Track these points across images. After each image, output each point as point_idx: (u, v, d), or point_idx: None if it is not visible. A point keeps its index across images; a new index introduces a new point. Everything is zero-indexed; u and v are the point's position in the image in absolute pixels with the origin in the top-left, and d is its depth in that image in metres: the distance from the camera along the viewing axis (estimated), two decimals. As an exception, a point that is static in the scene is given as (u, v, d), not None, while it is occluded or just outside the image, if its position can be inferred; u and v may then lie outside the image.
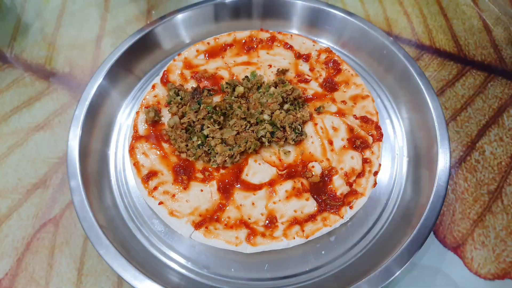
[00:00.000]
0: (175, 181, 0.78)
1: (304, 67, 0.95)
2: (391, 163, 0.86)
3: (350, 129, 0.83)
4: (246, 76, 0.90)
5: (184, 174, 0.79)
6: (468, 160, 0.89)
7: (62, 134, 0.93)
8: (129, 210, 0.81)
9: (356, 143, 0.81)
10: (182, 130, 0.82)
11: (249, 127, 0.82)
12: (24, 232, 0.81)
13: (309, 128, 0.84)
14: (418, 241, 0.70)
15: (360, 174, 0.78)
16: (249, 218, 0.75)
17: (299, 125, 0.82)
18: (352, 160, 0.79)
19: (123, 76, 0.95)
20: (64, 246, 0.79)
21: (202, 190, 0.77)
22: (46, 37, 1.12)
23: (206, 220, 0.74)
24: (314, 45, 0.97)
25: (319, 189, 0.77)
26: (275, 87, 0.87)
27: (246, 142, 0.79)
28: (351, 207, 0.75)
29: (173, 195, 0.77)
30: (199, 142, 0.80)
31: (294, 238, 0.72)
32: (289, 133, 0.80)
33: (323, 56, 0.95)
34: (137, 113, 0.87)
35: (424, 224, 0.71)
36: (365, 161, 0.80)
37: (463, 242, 0.79)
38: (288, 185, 0.77)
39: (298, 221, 0.74)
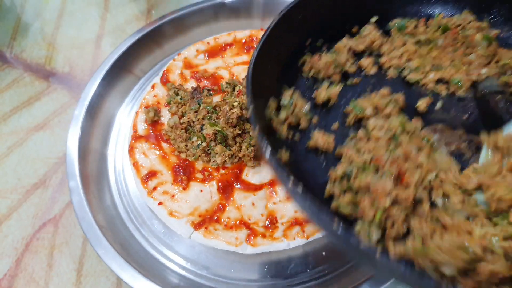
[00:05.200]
0: (175, 181, 0.78)
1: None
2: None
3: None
4: (246, 76, 0.90)
5: (183, 174, 0.79)
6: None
7: (62, 134, 0.93)
8: (128, 210, 0.81)
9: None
10: (182, 130, 0.82)
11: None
12: (24, 232, 0.81)
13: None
14: (419, 242, 0.69)
15: (361, 175, 0.78)
16: (249, 219, 0.74)
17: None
18: (352, 160, 0.78)
19: (122, 76, 0.95)
20: (63, 247, 0.79)
21: (201, 191, 0.77)
22: (46, 37, 1.12)
23: (206, 220, 0.74)
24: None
25: (320, 189, 0.77)
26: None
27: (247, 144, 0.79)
28: (351, 208, 0.75)
29: (173, 195, 0.76)
30: (199, 142, 0.80)
31: (295, 238, 0.72)
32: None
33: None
34: (137, 113, 0.87)
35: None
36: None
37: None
38: (288, 185, 0.77)
39: (298, 222, 0.74)
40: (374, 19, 0.72)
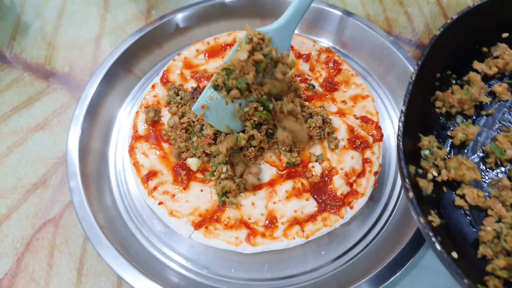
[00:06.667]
0: (175, 181, 0.78)
1: (304, 67, 0.94)
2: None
3: (350, 129, 0.83)
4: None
5: (184, 174, 0.79)
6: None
7: (62, 134, 0.93)
8: (128, 210, 0.81)
9: (356, 143, 0.81)
10: (182, 130, 0.82)
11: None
12: (24, 232, 0.81)
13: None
14: (419, 241, 0.70)
15: (361, 174, 0.78)
16: (249, 218, 0.74)
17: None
18: (352, 160, 0.79)
19: (122, 76, 0.95)
20: (63, 246, 0.79)
21: (202, 190, 0.77)
22: (46, 37, 1.12)
23: (206, 220, 0.74)
24: (314, 45, 0.97)
25: (319, 189, 0.77)
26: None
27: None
28: (351, 207, 0.75)
29: (173, 195, 0.76)
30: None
31: (294, 238, 0.72)
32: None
33: (323, 56, 0.95)
34: (137, 113, 0.87)
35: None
36: (365, 161, 0.80)
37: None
38: (288, 185, 0.77)
39: (298, 221, 0.74)
40: (505, 35, 0.63)
